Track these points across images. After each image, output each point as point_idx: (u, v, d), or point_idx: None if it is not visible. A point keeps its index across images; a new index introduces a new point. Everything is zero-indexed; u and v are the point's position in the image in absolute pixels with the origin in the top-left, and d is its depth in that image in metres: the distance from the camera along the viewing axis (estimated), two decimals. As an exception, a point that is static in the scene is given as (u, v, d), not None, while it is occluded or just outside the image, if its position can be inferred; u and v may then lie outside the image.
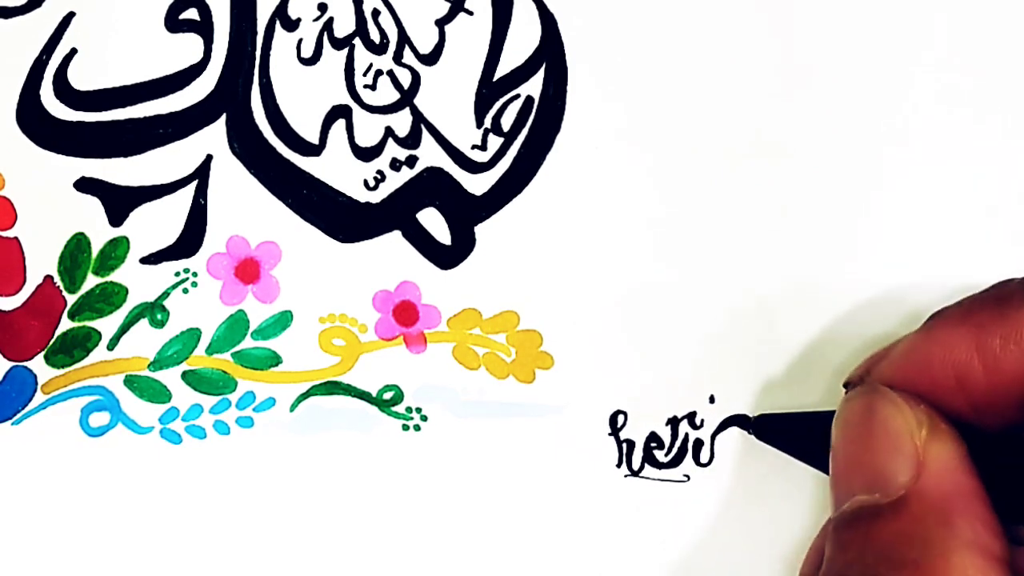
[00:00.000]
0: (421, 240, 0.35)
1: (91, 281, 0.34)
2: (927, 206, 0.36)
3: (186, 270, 0.35)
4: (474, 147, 0.35)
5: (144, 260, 0.34)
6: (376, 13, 0.35)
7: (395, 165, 0.35)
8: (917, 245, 0.36)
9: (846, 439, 0.30)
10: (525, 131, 0.35)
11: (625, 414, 0.36)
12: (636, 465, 0.36)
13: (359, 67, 0.35)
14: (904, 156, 0.36)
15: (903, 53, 0.36)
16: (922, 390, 0.30)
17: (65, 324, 0.34)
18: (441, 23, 0.35)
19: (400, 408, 0.35)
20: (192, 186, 0.34)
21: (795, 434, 0.34)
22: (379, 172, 0.35)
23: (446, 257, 0.35)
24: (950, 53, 0.36)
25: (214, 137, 0.35)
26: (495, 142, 0.35)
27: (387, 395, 0.35)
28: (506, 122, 0.35)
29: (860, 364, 0.33)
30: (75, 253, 0.34)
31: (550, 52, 0.35)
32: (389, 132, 0.35)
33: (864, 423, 0.30)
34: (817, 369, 0.36)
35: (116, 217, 0.34)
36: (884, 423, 0.29)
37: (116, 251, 0.34)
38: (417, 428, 0.35)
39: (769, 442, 0.34)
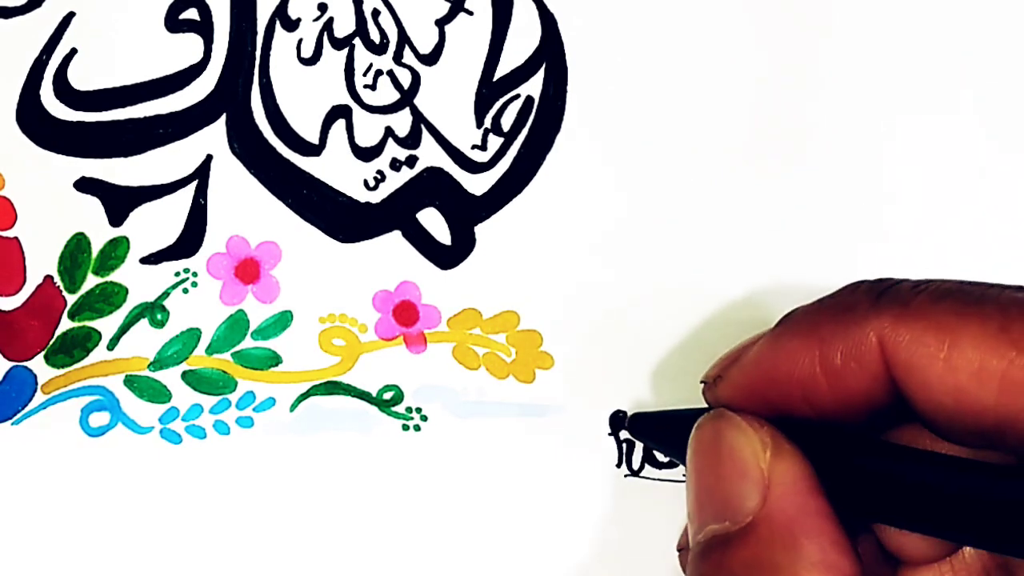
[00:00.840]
0: (421, 240, 0.35)
1: (91, 281, 0.34)
2: (929, 205, 0.36)
3: (186, 270, 0.35)
4: (474, 147, 0.35)
5: (144, 260, 0.34)
6: (376, 13, 0.35)
7: (395, 165, 0.35)
8: (918, 245, 0.36)
9: (697, 468, 0.30)
10: (525, 131, 0.35)
11: (625, 414, 0.36)
12: (636, 465, 0.36)
13: (359, 67, 0.35)
14: (906, 156, 0.36)
15: (904, 54, 0.36)
16: (771, 399, 0.29)
17: (65, 324, 0.34)
18: (441, 23, 0.35)
19: (400, 408, 0.35)
20: (192, 186, 0.34)
21: (667, 432, 0.33)
22: (379, 172, 0.35)
23: (446, 257, 0.35)
24: (952, 53, 0.36)
25: (214, 137, 0.35)
26: (495, 142, 0.35)
27: (387, 395, 0.35)
28: (506, 122, 0.35)
29: (715, 363, 0.32)
30: (75, 253, 0.34)
31: (550, 52, 0.35)
32: (389, 132, 0.35)
33: (712, 450, 0.29)
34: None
35: (116, 217, 0.34)
36: (730, 449, 0.29)
37: (116, 251, 0.34)
38: (417, 428, 0.35)
39: (642, 438, 0.34)
